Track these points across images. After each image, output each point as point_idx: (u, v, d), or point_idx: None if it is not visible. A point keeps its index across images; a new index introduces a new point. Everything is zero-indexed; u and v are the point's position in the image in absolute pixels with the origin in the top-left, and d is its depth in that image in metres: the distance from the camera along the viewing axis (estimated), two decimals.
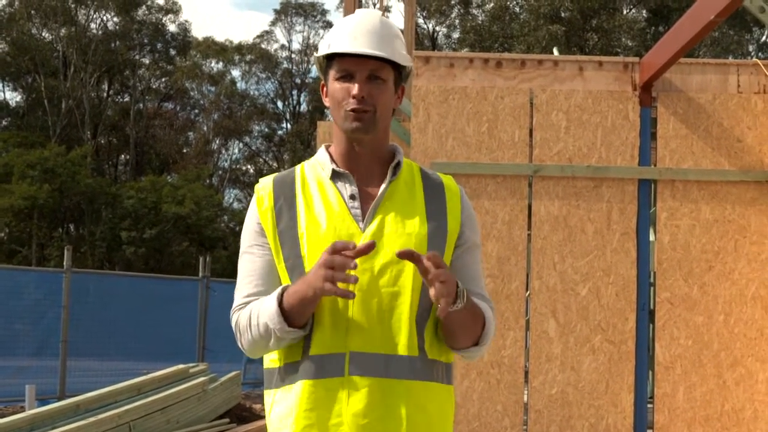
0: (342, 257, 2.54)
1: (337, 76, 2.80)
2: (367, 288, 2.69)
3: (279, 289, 2.71)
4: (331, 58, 2.83)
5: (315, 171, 2.88)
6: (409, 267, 2.72)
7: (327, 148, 2.92)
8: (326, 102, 2.89)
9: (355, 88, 2.76)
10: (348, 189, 2.81)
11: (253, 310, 2.76)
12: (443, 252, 2.79)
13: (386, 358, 2.68)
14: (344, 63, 2.79)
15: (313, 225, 2.76)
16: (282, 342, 2.73)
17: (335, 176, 2.84)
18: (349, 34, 2.80)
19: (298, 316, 2.67)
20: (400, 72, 2.87)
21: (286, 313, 2.67)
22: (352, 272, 2.60)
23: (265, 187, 2.89)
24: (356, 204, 2.79)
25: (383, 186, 2.81)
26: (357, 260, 2.64)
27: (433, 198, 2.86)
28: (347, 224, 2.75)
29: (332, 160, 2.87)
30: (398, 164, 2.87)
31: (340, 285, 2.56)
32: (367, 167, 2.85)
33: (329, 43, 2.83)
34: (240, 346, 2.87)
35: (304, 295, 2.62)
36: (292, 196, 2.83)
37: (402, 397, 2.69)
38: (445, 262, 2.65)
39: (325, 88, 2.89)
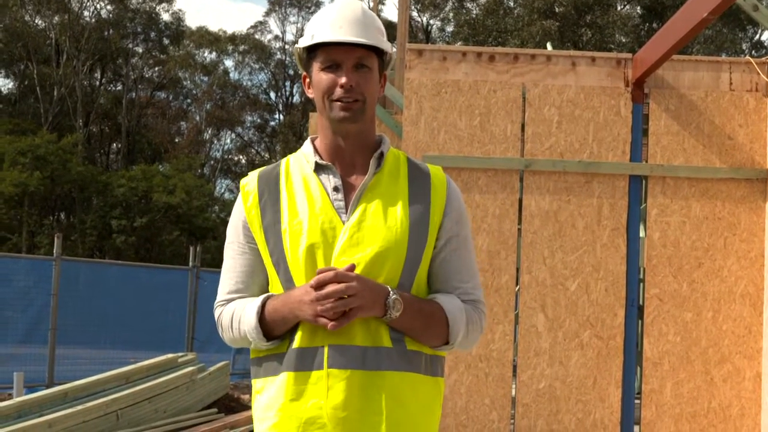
0: (325, 292, 2.60)
1: (323, 67, 2.78)
2: None
3: (259, 302, 2.76)
4: (314, 49, 2.80)
5: (300, 164, 2.87)
6: (389, 259, 2.72)
7: (313, 140, 2.91)
8: (310, 93, 2.86)
9: (343, 78, 2.74)
10: (332, 181, 2.80)
11: (235, 314, 2.83)
12: (425, 242, 2.79)
13: (363, 350, 2.68)
14: (330, 53, 2.76)
15: (295, 220, 2.76)
16: (260, 346, 2.79)
17: (319, 168, 2.83)
18: (332, 23, 2.78)
19: (277, 331, 2.74)
20: (382, 60, 2.86)
21: (265, 328, 2.74)
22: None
23: (250, 182, 2.89)
24: (340, 196, 2.78)
25: (366, 177, 2.80)
26: (337, 253, 2.70)
27: (418, 188, 2.83)
28: (329, 217, 2.74)
29: (316, 152, 2.86)
30: (381, 155, 2.85)
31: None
32: (352, 158, 2.83)
33: (312, 33, 2.80)
34: (222, 338, 2.93)
35: (286, 317, 2.70)
36: (277, 191, 2.83)
37: (380, 389, 2.68)
38: (358, 272, 2.69)
39: (308, 80, 2.86)
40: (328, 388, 2.67)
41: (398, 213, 2.77)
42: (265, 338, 2.74)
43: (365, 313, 2.64)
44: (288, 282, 2.74)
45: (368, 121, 2.83)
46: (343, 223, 2.74)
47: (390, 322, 2.69)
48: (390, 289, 2.68)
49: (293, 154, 2.95)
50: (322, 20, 2.81)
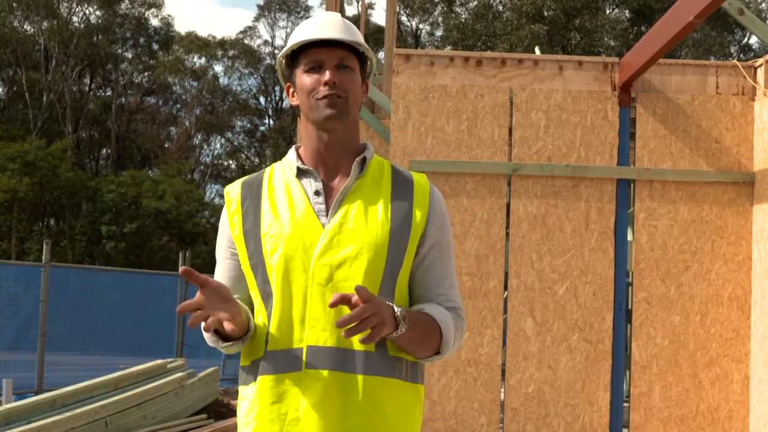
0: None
1: (306, 69, 2.82)
2: (325, 283, 2.70)
3: None
4: (296, 56, 2.85)
5: (283, 171, 2.90)
6: (368, 261, 2.72)
7: (297, 148, 2.93)
8: (293, 101, 2.89)
9: (326, 75, 2.78)
10: (313, 185, 2.82)
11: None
12: (406, 247, 2.79)
13: (343, 353, 2.68)
14: (312, 54, 2.81)
15: (276, 224, 2.77)
16: (231, 349, 2.78)
17: (301, 173, 2.85)
18: (314, 28, 2.84)
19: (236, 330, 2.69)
20: (363, 67, 2.90)
21: (219, 332, 2.71)
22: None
23: (233, 190, 2.93)
24: (320, 200, 2.79)
25: (348, 180, 2.81)
26: (316, 255, 2.69)
27: (400, 194, 2.84)
28: (309, 221, 2.75)
29: (299, 158, 2.88)
30: (365, 159, 2.87)
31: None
32: (335, 162, 2.85)
33: (294, 40, 2.85)
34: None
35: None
36: (258, 197, 2.85)
37: (358, 392, 2.68)
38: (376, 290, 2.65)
39: (291, 89, 2.90)
40: (306, 389, 2.67)
41: (379, 216, 2.77)
42: (221, 340, 2.73)
43: (385, 330, 2.57)
44: (265, 285, 2.74)
45: (352, 122, 2.86)
46: (323, 226, 2.75)
47: (394, 339, 2.66)
48: (393, 305, 2.64)
49: (278, 162, 2.97)
50: (303, 28, 2.87)
